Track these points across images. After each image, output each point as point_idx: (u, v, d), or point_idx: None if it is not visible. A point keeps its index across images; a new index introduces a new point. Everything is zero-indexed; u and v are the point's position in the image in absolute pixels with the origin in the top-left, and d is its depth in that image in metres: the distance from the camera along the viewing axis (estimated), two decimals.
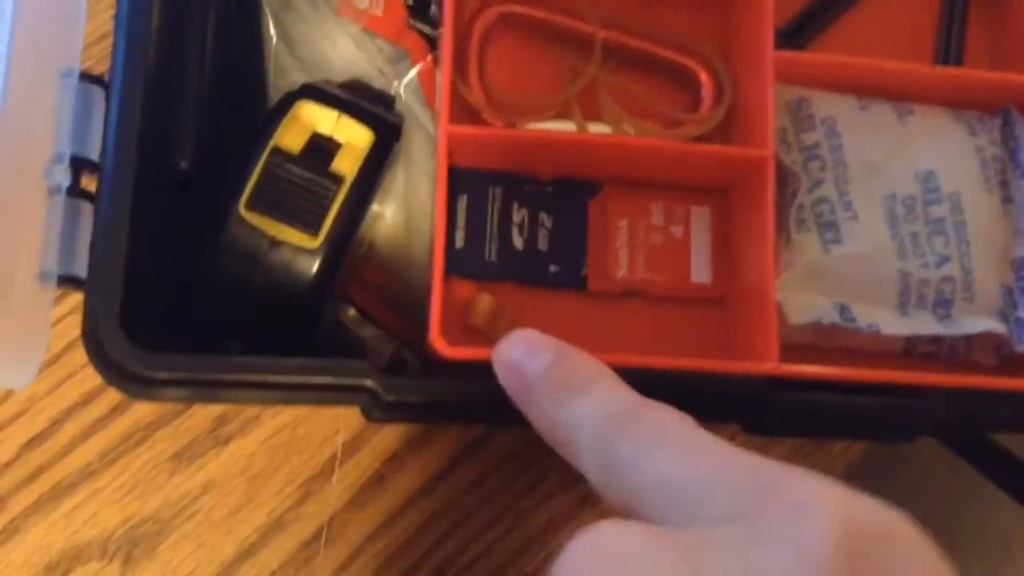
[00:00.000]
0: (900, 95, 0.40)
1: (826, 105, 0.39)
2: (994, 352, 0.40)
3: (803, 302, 0.38)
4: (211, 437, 0.47)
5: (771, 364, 0.35)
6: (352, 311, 0.42)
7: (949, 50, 0.42)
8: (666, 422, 0.25)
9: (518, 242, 0.38)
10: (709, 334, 0.39)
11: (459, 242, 0.38)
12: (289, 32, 0.45)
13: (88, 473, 0.46)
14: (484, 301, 0.38)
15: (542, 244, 0.38)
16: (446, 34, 0.36)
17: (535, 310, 0.38)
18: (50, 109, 0.33)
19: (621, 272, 0.39)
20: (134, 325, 0.32)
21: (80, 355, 0.44)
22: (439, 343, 0.33)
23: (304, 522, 0.47)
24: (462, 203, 0.38)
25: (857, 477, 0.49)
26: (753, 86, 0.38)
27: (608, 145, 0.37)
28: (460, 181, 0.38)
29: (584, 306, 0.39)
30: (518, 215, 0.38)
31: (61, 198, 0.33)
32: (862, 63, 0.38)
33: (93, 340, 0.32)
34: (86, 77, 0.34)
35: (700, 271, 0.39)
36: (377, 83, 0.44)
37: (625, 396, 0.26)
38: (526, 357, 0.28)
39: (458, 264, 0.38)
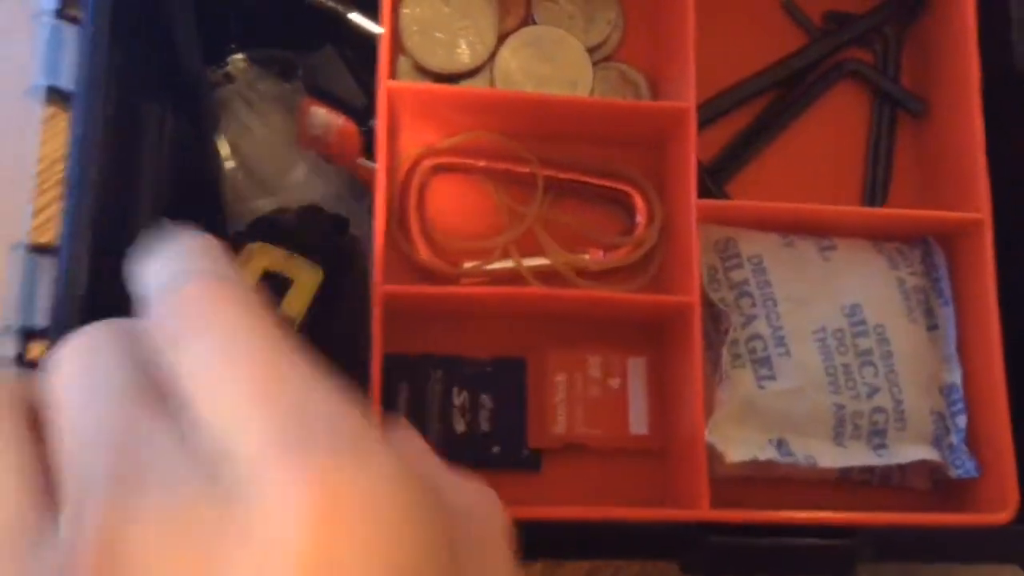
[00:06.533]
0: (823, 231, 0.41)
1: (752, 244, 0.40)
2: (928, 477, 0.41)
3: (739, 439, 0.38)
4: None
5: (701, 511, 0.35)
6: None
7: (875, 188, 0.43)
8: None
9: (459, 425, 0.38)
10: (649, 483, 0.39)
11: None
12: (247, 158, 0.46)
13: None
14: None
15: (484, 426, 0.38)
16: (378, 197, 0.37)
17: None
18: None
19: (559, 428, 0.39)
20: None
21: None
22: None
23: None
24: (403, 392, 0.38)
25: None
26: (680, 232, 0.39)
27: (543, 297, 0.38)
28: (399, 369, 0.38)
29: None
30: (459, 398, 0.38)
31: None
32: (783, 207, 0.39)
33: None
34: (34, 248, 0.36)
35: (638, 422, 0.39)
36: (334, 207, 0.45)
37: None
38: None
39: None
